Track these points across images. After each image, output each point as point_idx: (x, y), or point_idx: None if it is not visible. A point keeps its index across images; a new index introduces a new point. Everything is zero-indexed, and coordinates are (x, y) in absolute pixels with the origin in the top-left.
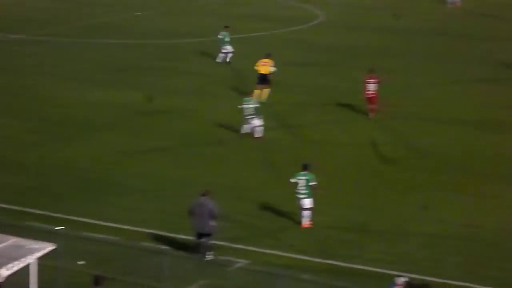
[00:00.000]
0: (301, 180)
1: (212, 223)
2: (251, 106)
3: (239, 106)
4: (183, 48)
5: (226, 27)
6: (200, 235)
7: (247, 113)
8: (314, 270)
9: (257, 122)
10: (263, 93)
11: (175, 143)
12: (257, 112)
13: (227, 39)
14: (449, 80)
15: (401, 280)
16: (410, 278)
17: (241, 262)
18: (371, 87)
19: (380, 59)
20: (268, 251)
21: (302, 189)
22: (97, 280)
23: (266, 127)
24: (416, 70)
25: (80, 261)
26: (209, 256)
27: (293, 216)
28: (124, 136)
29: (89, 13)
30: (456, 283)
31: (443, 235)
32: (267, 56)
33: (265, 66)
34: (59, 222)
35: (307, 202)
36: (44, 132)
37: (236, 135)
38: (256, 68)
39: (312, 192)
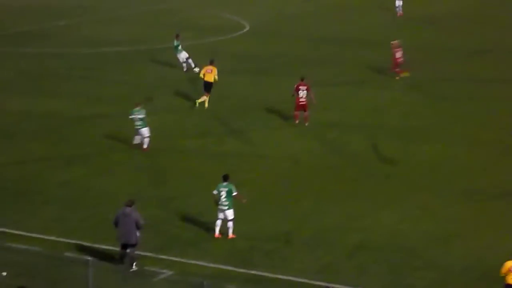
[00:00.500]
0: (223, 191)
1: (137, 233)
2: (138, 116)
3: (129, 117)
4: (108, 57)
5: (177, 35)
6: (125, 246)
7: (136, 124)
8: (239, 280)
9: (145, 132)
10: (205, 101)
11: (98, 151)
12: (144, 123)
13: (179, 47)
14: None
15: None
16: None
17: (166, 272)
18: (303, 94)
19: (306, 67)
20: (192, 261)
21: (224, 200)
22: None
23: (193, 135)
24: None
25: (2, 272)
26: (134, 267)
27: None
28: (47, 144)
29: (14, 21)
30: None
31: (366, 244)
32: (211, 62)
33: (210, 74)
34: None
35: (230, 213)
36: None
37: (128, 146)
38: (201, 75)
39: (233, 202)
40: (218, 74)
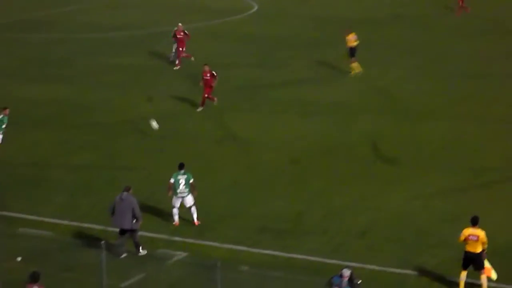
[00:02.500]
0: (181, 179)
1: (133, 219)
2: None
3: None
4: (115, 42)
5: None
6: (123, 231)
7: None
8: (252, 260)
9: None
10: (354, 66)
11: (106, 136)
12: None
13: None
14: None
15: (348, 272)
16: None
17: (180, 254)
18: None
19: (315, 47)
20: (206, 242)
21: (184, 188)
22: (34, 276)
23: (198, 118)
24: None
25: (16, 257)
26: (142, 251)
27: (229, 208)
28: (55, 131)
29: (20, 8)
30: (393, 270)
31: (378, 223)
32: (350, 30)
33: (350, 41)
34: None
35: (190, 200)
36: None
37: None
38: (348, 44)
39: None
40: (223, 56)
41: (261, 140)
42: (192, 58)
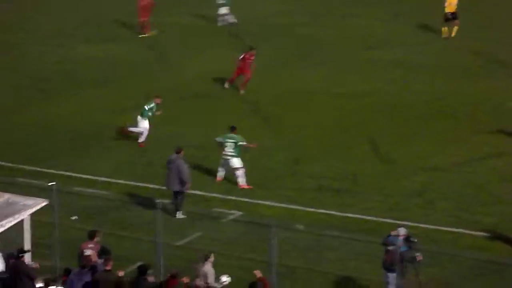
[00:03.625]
0: (228, 141)
1: (179, 181)
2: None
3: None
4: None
5: None
6: (174, 192)
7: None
8: (308, 219)
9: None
10: (454, 30)
11: (164, 98)
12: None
13: (221, 1)
14: None
15: (404, 231)
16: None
17: (234, 213)
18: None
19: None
20: (260, 201)
21: (230, 151)
22: (91, 234)
23: (260, 73)
24: None
25: (73, 216)
26: (178, 215)
27: (284, 167)
28: (114, 91)
29: None
30: (449, 229)
31: (434, 182)
32: None
33: (452, 6)
34: (51, 177)
35: (235, 162)
36: (32, 88)
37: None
38: (445, 9)
39: (240, 151)
40: (276, 15)
41: (317, 98)
42: (146, 34)
